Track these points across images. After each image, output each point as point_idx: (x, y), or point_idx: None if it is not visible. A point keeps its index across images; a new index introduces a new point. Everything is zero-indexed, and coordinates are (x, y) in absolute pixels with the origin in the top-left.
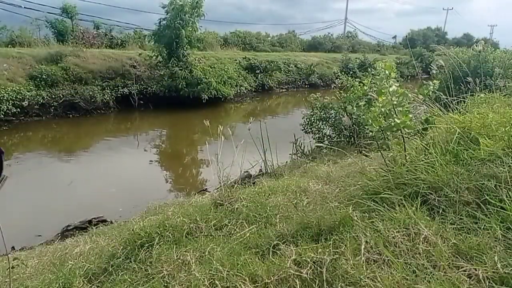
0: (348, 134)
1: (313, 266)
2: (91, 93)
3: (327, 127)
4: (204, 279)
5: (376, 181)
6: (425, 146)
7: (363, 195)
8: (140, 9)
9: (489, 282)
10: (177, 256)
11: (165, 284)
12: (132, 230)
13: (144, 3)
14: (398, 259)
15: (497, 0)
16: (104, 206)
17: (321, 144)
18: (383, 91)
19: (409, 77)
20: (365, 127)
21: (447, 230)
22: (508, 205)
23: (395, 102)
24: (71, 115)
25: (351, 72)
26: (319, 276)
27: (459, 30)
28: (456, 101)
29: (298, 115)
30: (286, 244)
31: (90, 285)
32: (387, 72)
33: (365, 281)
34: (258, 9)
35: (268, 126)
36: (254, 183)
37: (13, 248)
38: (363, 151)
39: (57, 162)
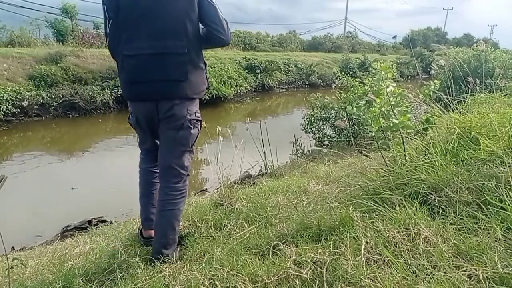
0: (348, 134)
1: (313, 267)
2: (90, 93)
3: (327, 127)
4: (204, 279)
5: (376, 181)
6: (425, 146)
7: (363, 195)
8: None
9: (489, 282)
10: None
11: (166, 284)
12: (135, 230)
13: None
14: (398, 259)
15: (497, 0)
16: (104, 206)
17: (318, 148)
18: (380, 92)
19: (409, 77)
20: (365, 127)
21: (447, 230)
22: (508, 205)
23: (393, 103)
24: (70, 115)
25: (351, 72)
26: (319, 277)
27: (459, 30)
28: (456, 101)
29: (298, 115)
30: (286, 245)
31: (90, 285)
32: (383, 73)
33: (365, 281)
34: (258, 9)
35: (268, 126)
36: (254, 183)
37: (12, 248)
38: (363, 151)
39: (57, 162)
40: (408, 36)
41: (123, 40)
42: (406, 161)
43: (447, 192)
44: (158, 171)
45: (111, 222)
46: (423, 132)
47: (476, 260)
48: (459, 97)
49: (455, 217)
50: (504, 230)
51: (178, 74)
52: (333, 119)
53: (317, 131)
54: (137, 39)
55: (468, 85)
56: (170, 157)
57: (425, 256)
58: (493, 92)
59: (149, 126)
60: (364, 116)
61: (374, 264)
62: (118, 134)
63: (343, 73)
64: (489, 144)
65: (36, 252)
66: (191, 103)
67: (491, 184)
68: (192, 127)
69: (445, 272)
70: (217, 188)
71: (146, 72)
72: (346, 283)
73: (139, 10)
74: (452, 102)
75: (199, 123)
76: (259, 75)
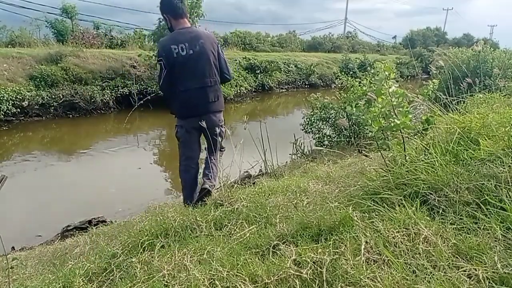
0: (348, 134)
1: (313, 266)
2: (91, 93)
3: (327, 127)
4: (204, 279)
5: (376, 181)
6: (425, 146)
7: (363, 195)
8: (139, 9)
9: (489, 282)
10: (176, 257)
11: (165, 284)
12: (135, 230)
13: (143, 3)
14: (398, 259)
15: (497, 0)
16: (104, 206)
17: (319, 148)
18: (382, 91)
19: (409, 77)
20: (365, 127)
21: (447, 230)
22: (508, 205)
23: (394, 103)
24: (71, 115)
25: (351, 72)
26: (319, 276)
27: (459, 30)
28: (456, 101)
29: (298, 115)
30: (286, 244)
31: (90, 285)
32: (386, 73)
33: (365, 281)
34: (257, 9)
35: (268, 126)
36: (254, 183)
37: (13, 248)
38: (363, 151)
39: (57, 162)
40: (408, 36)
41: (178, 81)
42: (406, 161)
43: (447, 192)
44: (194, 166)
45: (111, 222)
46: (423, 132)
47: (476, 260)
48: (458, 97)
49: (455, 217)
50: (504, 230)
51: (213, 97)
52: (333, 119)
53: (317, 131)
54: (187, 80)
55: (462, 85)
56: (215, 144)
57: (425, 256)
58: (492, 92)
59: (197, 132)
60: (363, 116)
61: (374, 264)
62: (118, 134)
63: (343, 73)
64: (488, 144)
65: (36, 252)
66: (220, 114)
67: (491, 184)
68: (223, 128)
69: (445, 272)
70: (217, 188)
71: (194, 99)
72: (346, 283)
73: (189, 64)
74: (451, 102)
75: (224, 124)
76: (259, 75)
